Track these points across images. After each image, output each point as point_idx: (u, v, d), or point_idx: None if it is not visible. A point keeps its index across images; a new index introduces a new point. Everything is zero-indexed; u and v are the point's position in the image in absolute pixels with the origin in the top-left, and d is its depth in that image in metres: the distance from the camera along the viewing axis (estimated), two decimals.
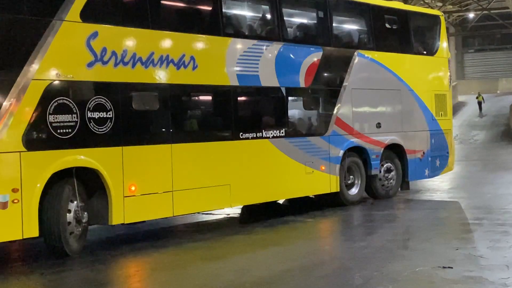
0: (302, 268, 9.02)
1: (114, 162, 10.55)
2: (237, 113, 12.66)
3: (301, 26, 14.52)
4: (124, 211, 10.62)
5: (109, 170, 10.45)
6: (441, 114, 17.65)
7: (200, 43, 12.06)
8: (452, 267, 8.59)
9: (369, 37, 15.84)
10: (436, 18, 17.89)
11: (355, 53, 15.20)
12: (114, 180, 10.49)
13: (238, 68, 12.60)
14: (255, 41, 13.07)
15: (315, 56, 14.24)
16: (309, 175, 13.95)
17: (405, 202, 16.03)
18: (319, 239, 12.16)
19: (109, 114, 10.51)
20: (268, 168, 13.11)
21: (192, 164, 11.70)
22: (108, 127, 10.48)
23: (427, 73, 17.46)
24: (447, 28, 73.85)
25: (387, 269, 8.75)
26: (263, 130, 13.03)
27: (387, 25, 16.20)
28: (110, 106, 10.52)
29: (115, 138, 10.59)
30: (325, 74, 14.64)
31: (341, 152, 14.71)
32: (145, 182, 10.95)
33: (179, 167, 11.42)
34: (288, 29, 14.08)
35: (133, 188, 10.75)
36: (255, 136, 12.84)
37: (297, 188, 13.80)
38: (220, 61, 12.35)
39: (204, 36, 12.14)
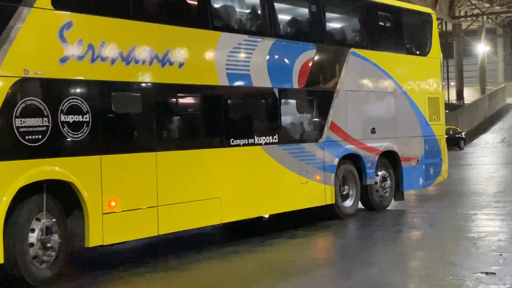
0: None
1: (91, 174, 9.05)
2: (228, 117, 11.25)
3: (293, 21, 13.16)
4: (103, 230, 9.12)
5: (85, 183, 8.96)
6: (435, 118, 16.46)
7: (187, 37, 10.62)
8: None
9: (363, 34, 14.57)
10: (427, 16, 16.74)
11: (349, 52, 13.91)
12: (91, 194, 8.99)
13: (228, 67, 11.20)
14: (245, 36, 11.67)
15: (308, 54, 12.90)
16: (303, 186, 12.60)
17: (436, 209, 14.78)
18: None
19: (86, 118, 9.02)
20: (261, 178, 11.72)
21: (179, 174, 10.25)
22: (85, 133, 8.99)
23: (420, 75, 16.26)
24: (494, 29, 73.96)
25: None
26: (255, 136, 11.64)
27: (381, 23, 14.95)
28: (87, 108, 9.03)
29: (92, 145, 9.10)
30: (319, 74, 13.32)
31: (336, 160, 13.39)
32: (127, 196, 9.47)
33: (164, 178, 9.97)
34: (281, 23, 12.72)
35: (113, 203, 9.26)
36: (246, 142, 11.44)
37: (291, 200, 12.42)
38: (209, 59, 10.93)
39: (191, 29, 10.71)
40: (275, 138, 11.99)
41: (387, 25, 15.13)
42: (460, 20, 63.63)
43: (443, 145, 16.83)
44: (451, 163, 27.73)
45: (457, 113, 55.64)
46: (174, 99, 10.53)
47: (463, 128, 50.50)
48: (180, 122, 10.60)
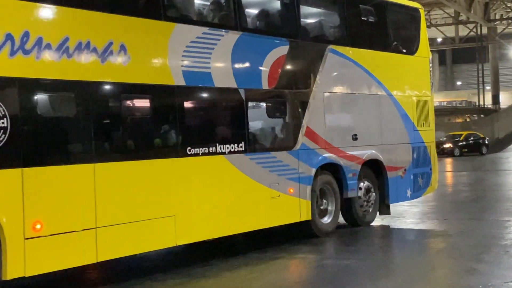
0: None
1: (10, 191, 7.48)
2: (184, 122, 9.69)
3: (263, 13, 11.62)
4: (24, 259, 7.54)
5: (3, 201, 7.38)
6: (423, 123, 14.96)
7: (133, 28, 9.07)
8: None
9: (343, 30, 13.07)
10: (415, 11, 15.23)
11: (327, 49, 12.38)
12: (9, 215, 7.43)
13: (184, 63, 9.67)
14: (205, 29, 10.12)
15: (280, 51, 11.38)
16: (275, 201, 11.04)
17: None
18: None
19: (3, 123, 7.45)
20: (224, 193, 10.17)
21: (123, 190, 8.69)
22: (2, 141, 7.42)
23: (407, 75, 14.75)
24: None
25: None
26: (218, 144, 10.09)
27: (363, 17, 13.43)
28: (4, 112, 7.47)
29: (12, 156, 7.53)
30: (293, 74, 11.79)
31: (313, 171, 11.85)
32: (56, 217, 7.89)
33: (105, 194, 8.41)
34: (248, 16, 11.19)
35: (38, 226, 7.70)
36: (207, 151, 9.89)
37: (261, 217, 10.86)
38: (160, 54, 9.39)
39: (139, 19, 9.16)
40: (241, 146, 10.45)
41: (370, 20, 13.61)
42: (495, 23, 62.35)
43: (433, 153, 15.33)
44: (486, 168, 28.70)
45: (493, 118, 54.44)
46: (117, 101, 8.92)
47: (499, 133, 49.33)
48: (124, 128, 9.01)
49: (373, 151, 13.37)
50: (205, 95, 10.22)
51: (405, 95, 14.44)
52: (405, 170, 14.27)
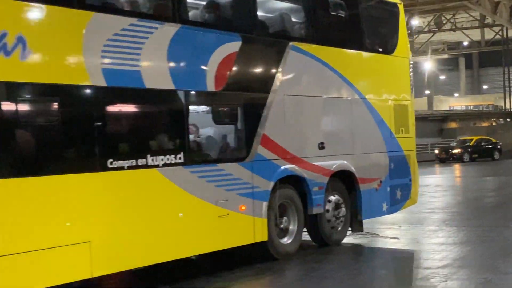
0: None
1: None
2: (104, 129, 8.18)
3: (209, 3, 10.11)
4: None
5: None
6: (402, 130, 13.47)
7: (36, 16, 7.58)
8: None
9: (308, 25, 11.56)
10: (393, 6, 13.74)
11: (288, 46, 10.89)
12: None
13: (105, 60, 8.17)
14: (133, 20, 8.62)
15: (230, 47, 9.90)
16: (222, 220, 9.55)
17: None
18: None
19: None
20: (157, 212, 8.67)
21: (20, 212, 7.17)
22: None
23: (384, 77, 13.26)
24: None
25: None
26: (149, 156, 8.58)
27: (332, 12, 11.94)
28: None
29: None
30: (246, 74, 10.31)
31: (271, 184, 10.35)
32: None
33: None
34: (190, 5, 9.70)
35: None
36: (134, 164, 8.38)
37: (204, 240, 9.36)
38: (72, 48, 7.87)
39: (43, 5, 7.65)
40: (180, 158, 8.95)
41: (340, 15, 12.13)
42: None
43: (413, 163, 13.83)
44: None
45: None
46: (13, 104, 7.38)
47: None
48: (25, 137, 7.46)
49: (344, 162, 11.87)
50: (132, 97, 8.67)
51: (381, 99, 12.97)
52: (380, 182, 12.79)
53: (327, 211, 11.61)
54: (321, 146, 11.41)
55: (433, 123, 55.72)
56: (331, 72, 11.75)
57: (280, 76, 10.68)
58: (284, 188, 10.71)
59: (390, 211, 13.19)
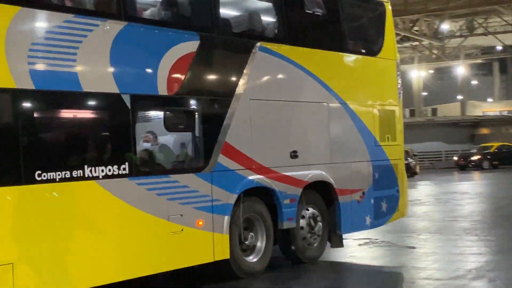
0: None
1: None
2: (31, 137, 7.34)
3: None
4: None
5: None
6: (388, 138, 12.56)
7: None
8: None
9: (279, 23, 10.69)
10: (379, 4, 12.86)
11: (256, 46, 10.03)
12: None
13: (33, 61, 7.35)
14: (70, 16, 7.79)
15: (185, 48, 9.06)
16: (176, 237, 8.69)
17: None
18: None
19: None
20: (96, 229, 7.82)
21: None
22: None
23: (367, 81, 12.34)
24: None
25: None
26: (86, 166, 7.73)
27: (307, 9, 11.06)
28: None
29: None
30: (204, 77, 9.44)
31: (233, 197, 9.48)
32: None
33: None
34: (138, 0, 8.86)
35: None
36: (68, 176, 7.53)
37: (154, 259, 8.49)
38: None
39: None
40: (124, 169, 8.10)
41: (317, 13, 11.25)
42: None
43: (401, 172, 12.91)
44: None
45: None
46: None
47: None
48: None
49: (320, 172, 10.99)
50: (67, 102, 7.84)
51: (364, 104, 12.07)
52: (363, 193, 11.88)
53: (301, 225, 10.73)
54: (294, 155, 10.53)
55: (464, 129, 54.58)
56: (305, 75, 10.86)
57: (246, 79, 9.81)
58: (250, 201, 9.85)
59: (374, 225, 12.27)
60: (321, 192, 11.13)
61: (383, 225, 12.63)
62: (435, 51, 53.29)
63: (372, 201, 12.05)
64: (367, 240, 13.02)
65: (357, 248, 12.57)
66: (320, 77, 11.11)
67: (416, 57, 55.23)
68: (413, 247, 12.50)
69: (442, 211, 18.95)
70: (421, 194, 25.42)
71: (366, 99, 12.17)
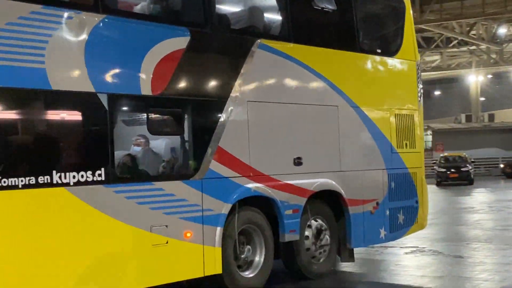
0: None
1: None
2: None
3: None
4: None
5: None
6: (406, 144, 11.71)
7: None
8: None
9: (283, 20, 9.92)
10: (398, 2, 12.01)
11: (255, 44, 9.26)
12: None
13: None
14: (38, 7, 7.10)
15: (174, 44, 8.33)
16: (160, 250, 7.96)
17: None
18: None
19: None
20: (66, 242, 7.11)
21: None
22: None
23: (383, 83, 11.51)
24: None
25: None
26: (56, 172, 7.04)
27: (316, 5, 10.27)
28: None
29: None
30: (196, 76, 8.68)
31: (227, 207, 8.72)
32: None
33: None
34: None
35: None
36: (33, 182, 6.85)
37: (132, 275, 7.75)
38: None
39: None
40: (100, 175, 7.39)
41: (327, 9, 10.45)
42: None
43: (421, 181, 12.04)
44: None
45: None
46: None
47: None
48: None
49: (328, 180, 10.18)
50: (32, 101, 7.16)
51: (378, 108, 11.25)
52: (377, 203, 11.04)
53: (306, 237, 9.94)
54: (298, 162, 9.74)
55: None
56: (312, 76, 10.08)
57: (243, 80, 9.05)
58: (248, 211, 9.09)
59: (389, 238, 11.43)
60: (329, 203, 10.34)
61: (399, 239, 11.79)
62: (493, 56, 51.74)
63: (388, 212, 11.22)
64: (414, 249, 12.77)
65: (403, 257, 12.24)
66: (329, 79, 10.32)
67: (474, 61, 53.73)
68: (461, 256, 12.08)
69: (495, 219, 18.41)
70: (475, 201, 24.93)
71: (381, 102, 11.34)
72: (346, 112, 10.57)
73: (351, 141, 10.66)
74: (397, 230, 11.49)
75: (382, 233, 11.12)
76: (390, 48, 11.79)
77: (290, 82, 9.81)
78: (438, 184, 35.48)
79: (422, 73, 46.18)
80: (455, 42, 48.00)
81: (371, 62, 11.29)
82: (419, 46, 49.67)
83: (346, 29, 10.83)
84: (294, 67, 9.80)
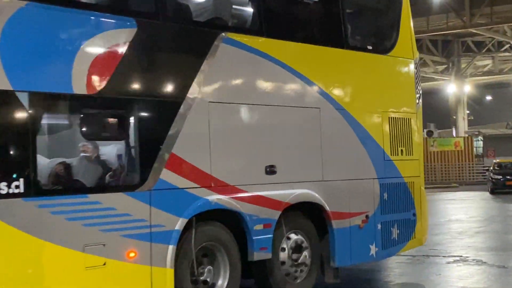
0: None
1: None
2: None
3: None
4: None
5: None
6: (402, 151, 10.57)
7: None
8: None
9: (254, 11, 8.83)
10: None
11: (219, 38, 8.18)
12: None
13: None
14: None
15: (116, 36, 7.29)
16: (94, 272, 6.89)
17: None
18: None
19: None
20: None
21: None
22: None
23: (375, 84, 10.37)
24: None
25: None
26: None
27: None
28: None
29: None
30: (144, 73, 7.61)
31: (181, 222, 7.63)
32: None
33: None
34: None
35: None
36: None
37: None
38: None
39: None
40: (18, 187, 6.36)
41: (308, 0, 9.37)
42: None
43: (419, 192, 10.88)
44: None
45: None
46: None
47: None
48: None
49: (307, 191, 9.08)
50: None
51: (369, 110, 10.14)
52: (366, 217, 9.92)
53: (281, 256, 8.83)
54: (270, 171, 8.64)
55: None
56: (288, 74, 8.99)
57: (203, 78, 7.98)
58: (209, 227, 8.01)
59: (382, 255, 10.32)
60: (311, 216, 9.23)
61: (393, 256, 10.65)
62: None
63: (379, 226, 10.09)
64: (457, 258, 12.43)
65: (445, 266, 11.85)
66: (309, 78, 9.23)
67: None
68: (505, 267, 11.51)
69: None
70: None
71: (372, 105, 10.23)
72: (329, 115, 9.46)
73: (336, 148, 9.55)
74: (391, 246, 10.35)
75: (373, 249, 9.99)
76: (383, 44, 10.71)
77: (261, 81, 8.72)
78: (492, 191, 33.76)
79: (473, 78, 44.51)
80: (507, 46, 46.50)
81: (360, 60, 10.19)
82: (469, 50, 48.47)
83: (330, 23, 9.73)
84: (266, 64, 8.72)
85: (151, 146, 7.46)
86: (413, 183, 10.73)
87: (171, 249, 7.49)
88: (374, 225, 9.99)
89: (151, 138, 7.48)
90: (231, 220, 8.24)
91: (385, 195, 10.21)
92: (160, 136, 7.53)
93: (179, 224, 7.59)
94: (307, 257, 9.13)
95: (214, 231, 8.07)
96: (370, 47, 10.42)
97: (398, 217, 10.45)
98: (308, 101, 9.21)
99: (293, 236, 9.01)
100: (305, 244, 9.12)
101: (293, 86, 9.04)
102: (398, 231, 10.42)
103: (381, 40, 10.70)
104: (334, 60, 9.77)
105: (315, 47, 9.42)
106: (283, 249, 8.87)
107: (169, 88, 7.79)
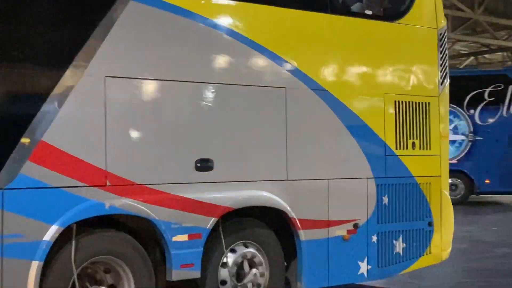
0: None
1: None
2: None
3: None
4: None
5: None
6: (414, 144, 8.38)
7: None
8: None
9: None
10: None
11: None
12: None
13: None
14: None
15: None
16: None
17: None
18: None
19: None
20: None
21: None
22: None
23: (376, 59, 8.22)
24: None
25: None
26: None
27: None
28: None
29: None
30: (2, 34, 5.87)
31: (53, 231, 5.85)
32: None
33: None
34: None
35: None
36: None
37: None
38: None
39: None
40: None
41: None
42: None
43: (438, 196, 8.66)
44: None
45: None
46: None
47: None
48: None
49: (260, 192, 7.14)
50: None
51: (364, 92, 8.03)
52: (355, 226, 7.82)
53: (221, 272, 6.93)
54: (203, 166, 6.72)
55: None
56: (238, 44, 7.04)
57: (100, 46, 6.16)
58: (104, 238, 6.22)
59: (376, 275, 8.18)
60: (272, 224, 7.28)
61: (396, 274, 8.46)
62: None
63: (374, 238, 7.95)
64: None
65: None
66: (269, 48, 7.22)
67: None
68: None
69: None
70: None
71: (370, 85, 8.11)
72: (301, 96, 7.44)
73: (309, 139, 7.51)
74: (391, 263, 8.22)
75: (363, 267, 7.90)
76: (389, 8, 8.48)
77: (188, 51, 6.77)
78: None
79: None
80: None
81: (352, 28, 8.06)
82: None
83: None
84: (199, 27, 6.79)
85: (6, 132, 5.71)
86: (430, 185, 8.52)
87: (34, 266, 5.73)
88: (366, 236, 7.90)
89: (6, 121, 5.73)
90: (140, 228, 6.41)
91: (385, 199, 8.09)
92: (21, 119, 5.78)
93: (50, 233, 5.81)
94: (260, 275, 7.15)
95: (116, 244, 6.26)
96: (368, 12, 8.23)
97: (405, 227, 8.31)
98: (265, 79, 7.21)
99: (240, 249, 7.06)
100: (258, 259, 7.16)
101: (240, 59, 7.07)
102: (405, 244, 8.27)
103: (387, 2, 8.48)
104: (310, 27, 7.69)
105: (279, 10, 7.39)
106: (224, 265, 6.94)
107: (37, 54, 5.96)
